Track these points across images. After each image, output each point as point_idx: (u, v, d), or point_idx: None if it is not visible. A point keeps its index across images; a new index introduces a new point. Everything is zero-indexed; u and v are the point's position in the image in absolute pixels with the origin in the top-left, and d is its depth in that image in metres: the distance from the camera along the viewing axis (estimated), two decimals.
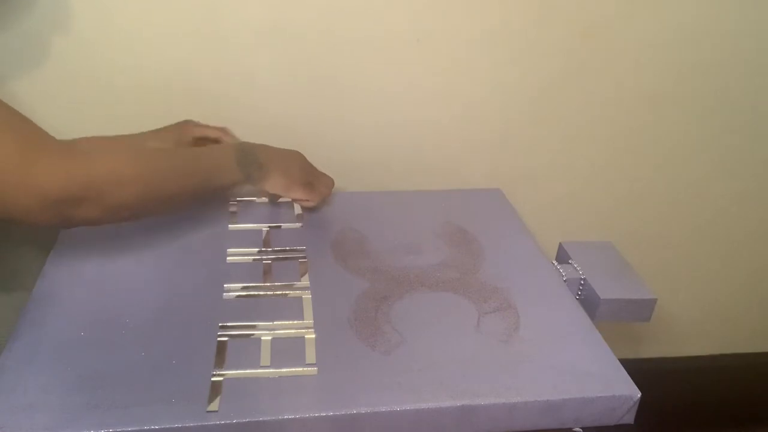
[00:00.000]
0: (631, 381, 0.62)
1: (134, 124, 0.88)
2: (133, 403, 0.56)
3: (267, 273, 0.74)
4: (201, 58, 0.87)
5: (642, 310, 0.78)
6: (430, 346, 0.65)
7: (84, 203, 0.59)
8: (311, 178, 0.83)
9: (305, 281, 0.73)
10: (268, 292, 0.71)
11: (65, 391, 0.57)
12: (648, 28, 0.94)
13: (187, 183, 0.68)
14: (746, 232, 1.16)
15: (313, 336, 0.65)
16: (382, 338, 0.65)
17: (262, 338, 0.64)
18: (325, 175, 0.86)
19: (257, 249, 0.78)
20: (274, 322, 0.66)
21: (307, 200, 0.83)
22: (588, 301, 0.79)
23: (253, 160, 0.75)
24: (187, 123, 0.84)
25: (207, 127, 0.85)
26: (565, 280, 0.79)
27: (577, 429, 0.63)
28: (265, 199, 0.88)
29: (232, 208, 0.86)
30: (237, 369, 0.60)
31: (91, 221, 0.61)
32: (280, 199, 0.86)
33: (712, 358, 1.30)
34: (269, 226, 0.83)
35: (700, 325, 1.25)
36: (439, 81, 0.94)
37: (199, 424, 0.55)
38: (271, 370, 0.60)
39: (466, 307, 0.71)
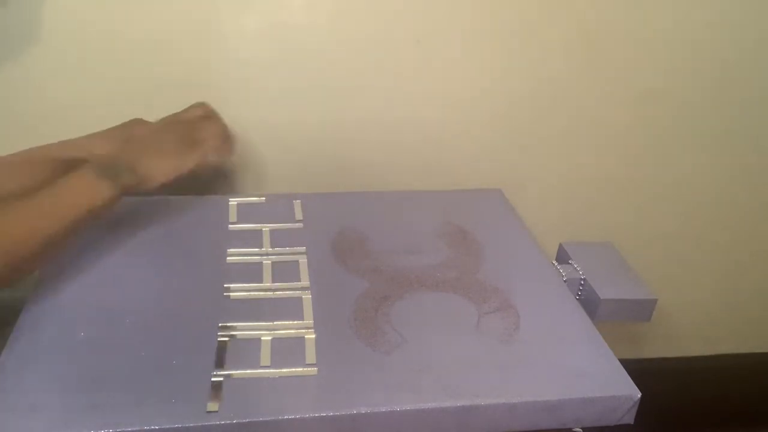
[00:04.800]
0: (631, 381, 0.62)
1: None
2: (133, 403, 0.56)
3: (267, 273, 0.74)
4: (201, 59, 0.87)
5: (642, 310, 0.79)
6: (430, 346, 0.65)
7: None
8: (193, 135, 0.74)
9: (305, 281, 0.73)
10: (268, 292, 0.71)
11: (65, 391, 0.57)
12: (648, 28, 0.94)
13: (53, 228, 0.62)
14: (746, 232, 1.16)
15: (313, 336, 0.65)
16: (382, 338, 0.65)
17: (262, 338, 0.64)
18: (205, 120, 0.77)
19: (257, 249, 0.78)
20: (274, 322, 0.66)
21: (215, 154, 0.76)
22: (588, 301, 0.79)
23: (120, 168, 0.67)
24: (136, 121, 0.78)
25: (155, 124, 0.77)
26: (565, 280, 0.79)
27: (577, 429, 0.63)
28: (263, 199, 0.88)
29: (232, 209, 0.86)
30: (237, 369, 0.60)
31: None
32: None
33: (712, 358, 1.30)
34: (269, 226, 0.83)
35: (700, 325, 1.25)
36: (439, 81, 0.94)
37: (199, 424, 0.55)
38: (271, 370, 0.60)
39: (466, 307, 0.71)
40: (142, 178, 0.69)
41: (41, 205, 0.63)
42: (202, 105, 0.79)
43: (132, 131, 0.75)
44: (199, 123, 0.76)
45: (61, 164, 0.71)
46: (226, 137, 0.78)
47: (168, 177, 0.71)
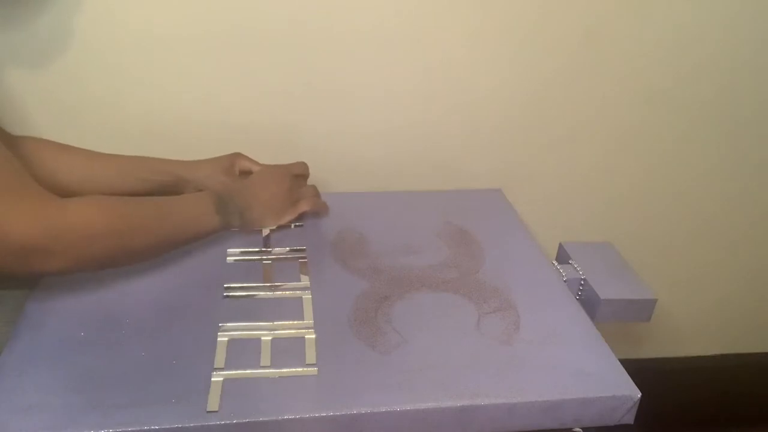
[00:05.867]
0: (631, 381, 0.62)
1: (135, 130, 0.89)
2: (133, 403, 0.56)
3: (267, 273, 0.74)
4: (201, 59, 0.87)
5: (642, 310, 0.79)
6: (430, 346, 0.65)
7: (52, 255, 0.57)
8: (294, 193, 0.82)
9: (305, 281, 0.73)
10: (268, 292, 0.71)
11: (65, 391, 0.57)
12: (648, 28, 0.94)
13: (163, 234, 0.67)
14: (746, 232, 1.16)
15: (313, 336, 0.65)
16: (382, 338, 0.65)
17: (262, 338, 0.64)
18: (303, 184, 0.85)
19: (257, 249, 0.78)
20: (274, 322, 0.66)
21: (305, 212, 0.83)
22: (588, 301, 0.79)
23: (233, 209, 0.74)
24: (236, 155, 0.84)
25: (253, 162, 0.85)
26: (565, 280, 0.79)
27: (577, 429, 0.63)
28: None
29: None
30: (237, 369, 0.60)
31: (58, 272, 0.59)
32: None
33: (712, 358, 1.30)
34: (269, 226, 0.83)
35: (700, 325, 1.25)
36: (439, 82, 0.94)
37: (199, 424, 0.55)
38: (271, 370, 0.60)
39: (466, 307, 0.71)
40: (246, 223, 0.76)
41: (160, 211, 0.67)
42: (304, 164, 0.86)
43: (235, 162, 0.84)
44: (300, 181, 0.85)
45: (171, 178, 0.81)
46: (318, 195, 0.86)
47: (266, 227, 0.80)
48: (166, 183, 0.81)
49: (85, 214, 0.59)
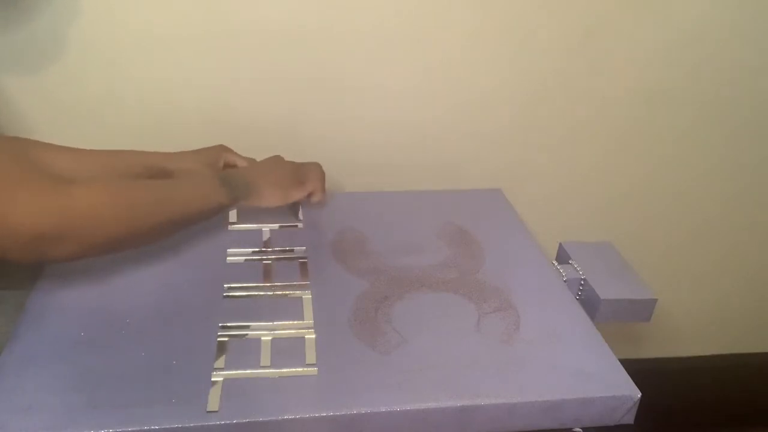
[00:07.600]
0: (631, 381, 0.62)
1: (135, 130, 0.89)
2: (133, 403, 0.56)
3: (267, 273, 0.74)
4: (201, 59, 0.87)
5: (642, 310, 0.78)
6: (430, 346, 0.65)
7: (62, 241, 0.56)
8: (300, 175, 0.82)
9: (305, 281, 0.73)
10: (268, 292, 0.71)
11: (65, 391, 0.57)
12: (648, 28, 0.94)
13: (171, 213, 0.66)
14: (746, 232, 1.16)
15: (313, 336, 0.65)
16: (382, 338, 0.65)
17: (262, 338, 0.64)
18: (310, 164, 0.85)
19: (257, 249, 0.78)
20: (274, 322, 0.66)
21: (311, 195, 0.82)
22: (588, 301, 0.79)
23: (239, 182, 0.73)
24: (221, 148, 0.83)
25: (238, 156, 0.83)
26: (565, 280, 0.79)
27: (577, 429, 0.63)
28: None
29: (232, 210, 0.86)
30: (237, 369, 0.60)
31: (69, 258, 0.59)
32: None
33: (712, 358, 1.30)
34: (269, 226, 0.83)
35: (700, 325, 1.25)
36: (439, 81, 0.94)
37: (199, 424, 0.55)
38: (271, 370, 0.60)
39: (466, 307, 0.71)
40: (254, 198, 0.75)
41: (165, 190, 0.67)
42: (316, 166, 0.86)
43: (220, 154, 0.82)
44: (305, 166, 0.84)
45: (156, 171, 0.77)
46: (324, 182, 0.85)
47: (274, 203, 0.78)
48: (149, 176, 0.78)
49: (93, 199, 0.59)
